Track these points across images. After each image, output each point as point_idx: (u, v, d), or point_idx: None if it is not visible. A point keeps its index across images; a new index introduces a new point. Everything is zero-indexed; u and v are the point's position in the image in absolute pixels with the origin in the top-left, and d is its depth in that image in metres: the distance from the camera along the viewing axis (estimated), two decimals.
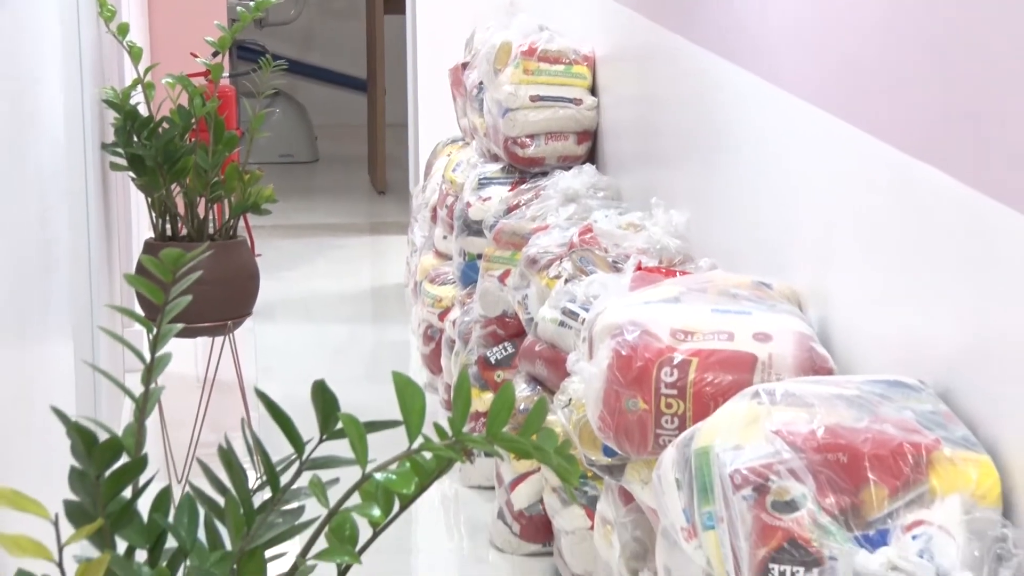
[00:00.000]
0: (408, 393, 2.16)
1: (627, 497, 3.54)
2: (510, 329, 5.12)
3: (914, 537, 2.45)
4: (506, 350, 5.13)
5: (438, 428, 2.17)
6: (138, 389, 2.21)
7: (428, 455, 2.17)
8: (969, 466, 2.54)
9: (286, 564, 2.20)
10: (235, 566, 2.18)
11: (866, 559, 2.43)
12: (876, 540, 2.48)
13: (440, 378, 6.16)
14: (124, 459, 2.11)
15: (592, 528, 4.04)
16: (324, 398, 2.16)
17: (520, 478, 4.74)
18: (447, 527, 5.18)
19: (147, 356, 2.22)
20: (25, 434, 2.61)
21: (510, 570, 4.74)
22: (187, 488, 2.21)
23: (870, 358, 3.13)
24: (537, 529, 4.72)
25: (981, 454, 2.57)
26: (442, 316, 6.08)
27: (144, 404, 2.18)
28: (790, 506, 2.49)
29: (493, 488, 5.04)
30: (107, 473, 2.10)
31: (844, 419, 2.61)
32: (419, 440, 2.16)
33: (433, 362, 6.28)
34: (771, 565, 2.48)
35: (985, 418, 2.64)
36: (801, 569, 2.46)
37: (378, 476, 2.16)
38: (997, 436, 2.59)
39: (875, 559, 2.43)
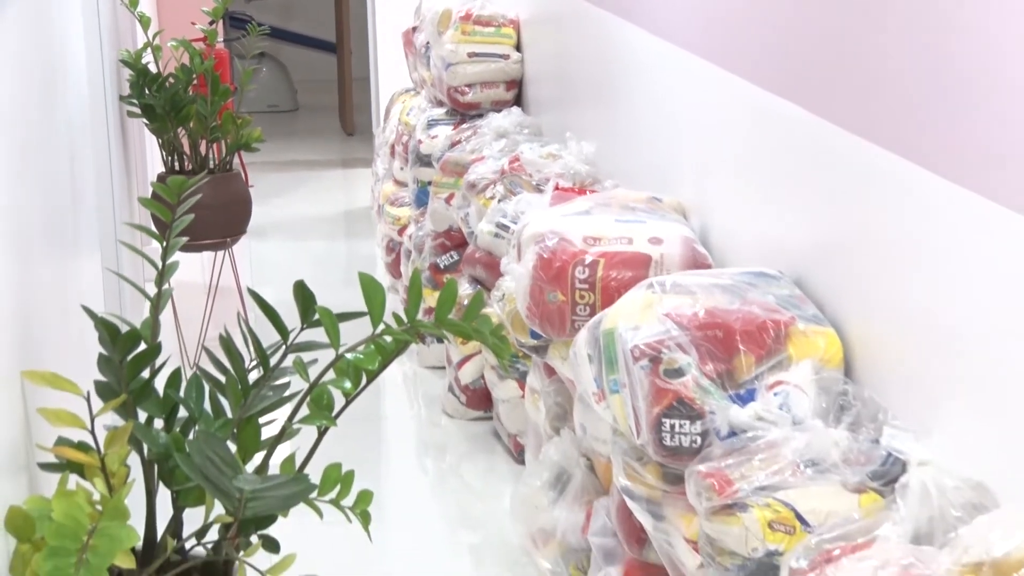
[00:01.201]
0: (371, 289, 2.18)
1: (550, 371, 3.56)
2: (455, 240, 5.13)
3: (775, 394, 2.48)
4: (452, 257, 5.14)
5: (396, 317, 2.19)
6: (153, 293, 2.22)
7: (388, 338, 2.19)
8: (818, 337, 2.57)
9: (276, 428, 2.22)
10: (235, 430, 2.20)
11: (738, 412, 2.46)
12: (746, 397, 2.51)
13: (400, 282, 6.17)
14: (142, 347, 2.12)
15: (523, 396, 4.06)
16: (304, 295, 2.17)
17: (465, 359, 4.77)
18: (408, 399, 5.20)
19: (159, 264, 2.23)
20: (63, 329, 2.62)
21: (458, 432, 4.76)
22: (195, 369, 2.23)
23: (740, 255, 3.15)
24: (480, 399, 4.75)
25: (827, 328, 2.59)
26: (401, 231, 6.08)
27: (157, 302, 2.19)
28: (678, 373, 2.51)
29: (444, 368, 5.07)
30: (128, 358, 2.10)
31: (720, 303, 2.63)
32: (381, 327, 2.18)
33: (394, 269, 6.29)
34: (664, 420, 2.49)
35: (830, 299, 2.66)
36: (687, 422, 2.48)
37: (348, 356, 2.18)
38: (839, 313, 2.62)
39: (745, 412, 2.46)
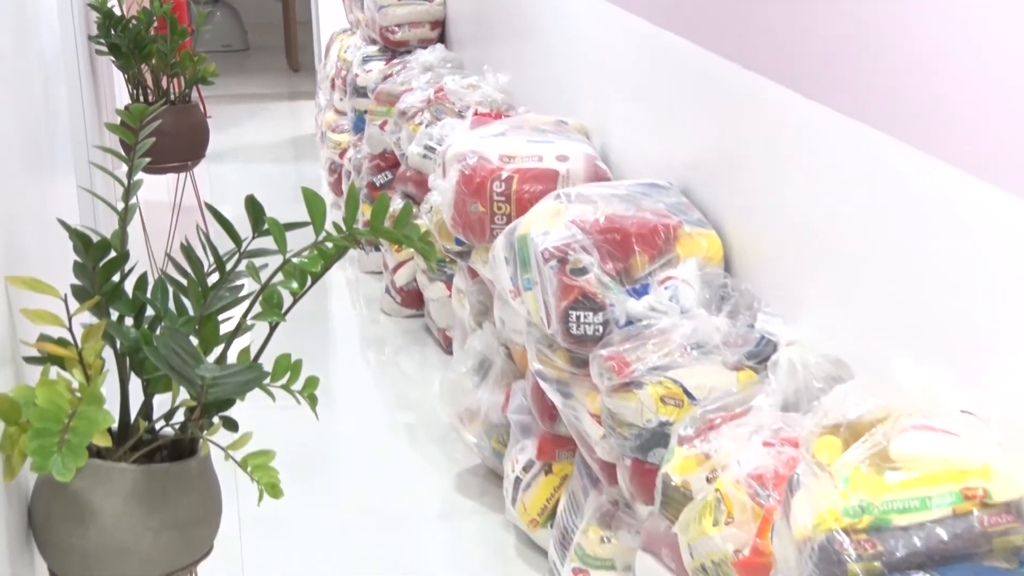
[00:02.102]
0: (314, 202, 2.16)
1: (473, 273, 3.57)
2: (389, 161, 5.10)
3: (665, 288, 2.50)
4: (387, 176, 5.11)
5: (336, 226, 2.18)
6: (121, 208, 2.19)
7: (329, 244, 2.17)
8: (702, 239, 2.59)
9: (232, 324, 2.21)
10: (196, 327, 2.19)
11: (634, 304, 2.48)
12: (640, 291, 2.53)
13: (341, 199, 6.14)
14: (112, 255, 2.10)
15: (450, 296, 4.08)
16: (254, 207, 2.15)
17: (399, 264, 4.77)
18: (350, 300, 5.19)
19: (125, 182, 2.20)
20: (42, 240, 2.58)
21: (394, 327, 4.77)
22: (161, 274, 2.21)
23: (635, 169, 3.16)
24: (413, 299, 4.75)
25: (710, 230, 2.61)
26: (341, 155, 6.05)
27: (125, 215, 2.16)
28: (582, 271, 2.52)
29: (381, 273, 5.07)
30: (100, 264, 2.08)
31: (618, 210, 2.64)
32: (323, 234, 2.17)
33: (336, 188, 6.26)
34: (570, 312, 2.51)
35: (712, 206, 2.68)
36: (591, 314, 2.50)
37: (295, 260, 2.17)
38: (720, 218, 2.64)
39: (640, 304, 2.48)
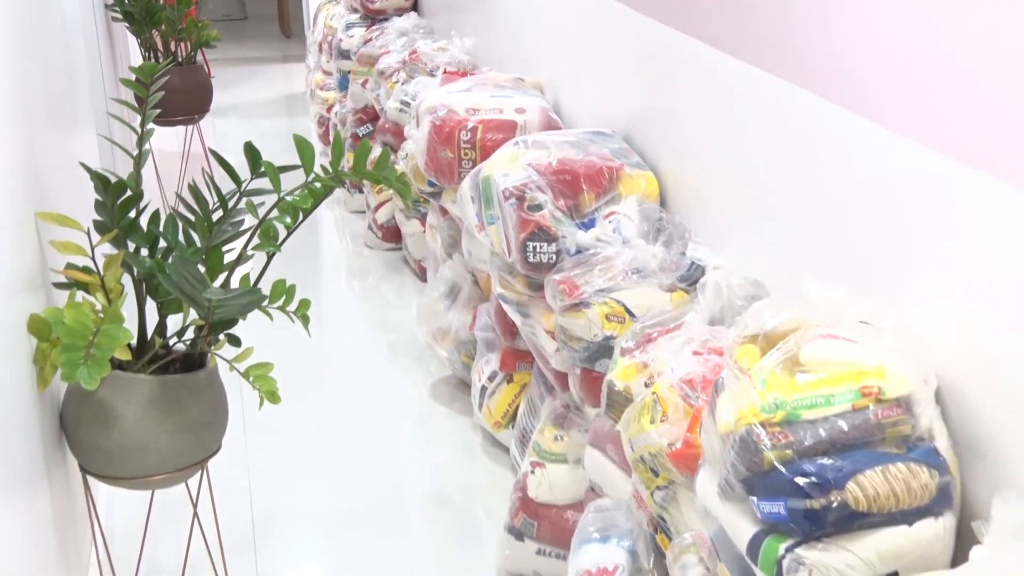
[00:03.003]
0: (304, 147, 2.15)
1: (443, 211, 3.56)
2: (370, 115, 5.06)
3: (609, 221, 2.50)
4: (368, 128, 5.07)
5: (323, 168, 2.17)
6: (136, 153, 2.17)
7: (318, 184, 2.17)
8: (640, 179, 2.58)
9: (234, 254, 2.20)
10: (203, 256, 2.18)
11: (582, 236, 2.47)
12: (588, 224, 2.52)
13: (329, 148, 6.07)
14: (128, 194, 2.08)
15: (424, 231, 4.07)
16: (252, 152, 2.14)
17: (380, 204, 4.74)
18: (338, 236, 5.16)
19: (139, 130, 2.18)
20: (67, 182, 2.56)
21: (376, 259, 4.76)
22: (172, 211, 2.20)
23: (583, 119, 3.15)
24: (392, 234, 4.74)
25: (647, 172, 2.61)
26: (328, 110, 5.98)
27: (139, 159, 2.14)
28: (538, 208, 2.51)
29: (364, 212, 5.04)
30: (118, 202, 2.07)
31: (568, 155, 2.63)
32: (312, 176, 2.16)
33: (324, 138, 6.18)
34: (528, 243, 2.50)
35: (649, 150, 2.68)
36: (545, 244, 2.49)
37: (288, 198, 2.16)
38: (656, 160, 2.64)
39: (588, 235, 2.47)
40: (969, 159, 1.47)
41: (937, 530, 1.40)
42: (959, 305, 1.51)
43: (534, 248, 2.50)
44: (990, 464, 1.46)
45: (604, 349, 2.26)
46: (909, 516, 1.39)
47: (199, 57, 5.20)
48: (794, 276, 1.92)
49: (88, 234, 2.00)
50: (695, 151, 2.42)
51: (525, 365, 3.10)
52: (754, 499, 1.44)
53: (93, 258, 2.00)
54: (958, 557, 1.38)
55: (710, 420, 1.58)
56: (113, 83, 4.60)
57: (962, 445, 1.51)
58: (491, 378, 3.18)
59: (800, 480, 1.39)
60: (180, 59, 5.00)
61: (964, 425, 1.51)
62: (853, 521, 1.38)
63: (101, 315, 1.92)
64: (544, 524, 2.61)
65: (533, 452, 2.69)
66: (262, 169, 2.14)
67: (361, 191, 5.18)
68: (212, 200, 2.20)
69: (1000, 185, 1.41)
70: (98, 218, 2.08)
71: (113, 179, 2.06)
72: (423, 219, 4.18)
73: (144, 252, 2.13)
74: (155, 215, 2.16)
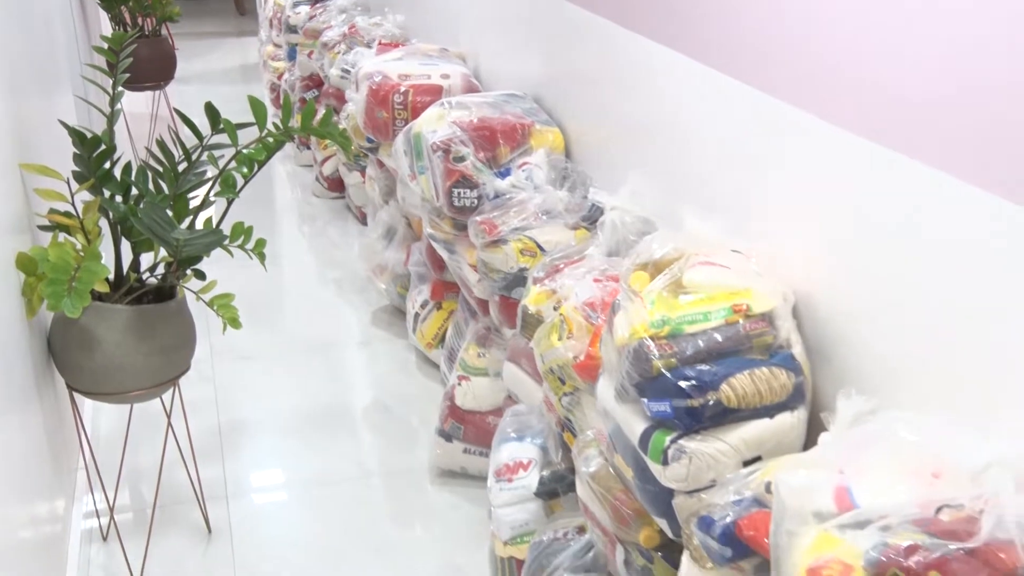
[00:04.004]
0: (257, 106, 2.11)
1: (380, 164, 3.52)
2: (315, 81, 4.97)
3: (523, 170, 2.48)
4: (314, 93, 4.98)
5: (275, 124, 2.13)
6: (108, 112, 2.11)
7: (271, 139, 2.13)
8: (548, 134, 2.57)
9: (198, 200, 2.16)
10: (171, 202, 2.13)
11: (500, 183, 2.46)
12: (504, 173, 2.51)
13: (280, 111, 5.97)
14: (103, 147, 2.03)
15: (364, 182, 4.02)
16: (212, 111, 2.09)
17: (326, 158, 4.67)
18: (289, 187, 5.08)
19: (111, 92, 2.12)
20: (48, 137, 2.48)
21: (323, 207, 4.70)
22: (142, 163, 2.15)
23: (500, 83, 3.12)
24: (337, 185, 4.68)
25: (554, 127, 2.59)
26: (279, 78, 5.85)
27: (111, 117, 2.08)
28: (461, 159, 2.50)
29: (312, 166, 4.97)
30: (94, 155, 2.02)
31: (487, 113, 2.61)
32: (265, 131, 2.12)
33: (276, 103, 6.05)
34: (453, 190, 2.49)
35: (556, 109, 2.66)
36: (468, 190, 2.48)
37: (245, 151, 2.12)
38: (562, 118, 2.63)
39: (504, 182, 2.46)
40: (805, 105, 1.49)
41: (793, 421, 1.43)
42: (809, 234, 1.54)
43: (459, 194, 2.49)
44: (835, 366, 1.50)
45: (519, 279, 2.26)
46: (771, 411, 1.42)
47: (164, 31, 5.05)
48: (677, 213, 1.93)
49: (68, 183, 1.95)
50: (594, 109, 2.41)
51: (452, 294, 3.10)
52: (645, 400, 1.45)
53: (73, 204, 1.95)
54: (809, 442, 1.42)
55: (608, 335, 1.59)
56: (87, 52, 4.45)
57: (813, 351, 1.54)
58: (423, 306, 3.18)
59: (683, 383, 1.41)
60: (146, 32, 4.85)
61: (815, 334, 1.54)
62: (726, 416, 1.40)
63: (81, 253, 1.87)
64: (469, 427, 2.63)
65: (459, 367, 2.71)
66: (221, 126, 2.09)
67: (309, 148, 5.10)
68: (178, 154, 2.15)
69: (830, 128, 1.43)
70: (76, 169, 2.02)
71: (89, 135, 2.00)
72: (363, 171, 4.13)
73: (119, 199, 2.08)
74: (127, 166, 2.11)
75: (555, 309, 1.95)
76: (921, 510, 1.05)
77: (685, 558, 1.42)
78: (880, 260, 1.38)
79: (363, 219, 4.36)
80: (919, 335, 1.32)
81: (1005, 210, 1.16)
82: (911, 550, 1.01)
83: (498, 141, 2.53)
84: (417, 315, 3.20)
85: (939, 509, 1.04)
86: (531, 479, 2.08)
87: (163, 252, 2.09)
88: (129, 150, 4.92)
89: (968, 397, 1.24)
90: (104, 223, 2.05)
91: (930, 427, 1.15)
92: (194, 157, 2.15)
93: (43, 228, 2.00)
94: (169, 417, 2.26)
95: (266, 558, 2.38)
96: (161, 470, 2.27)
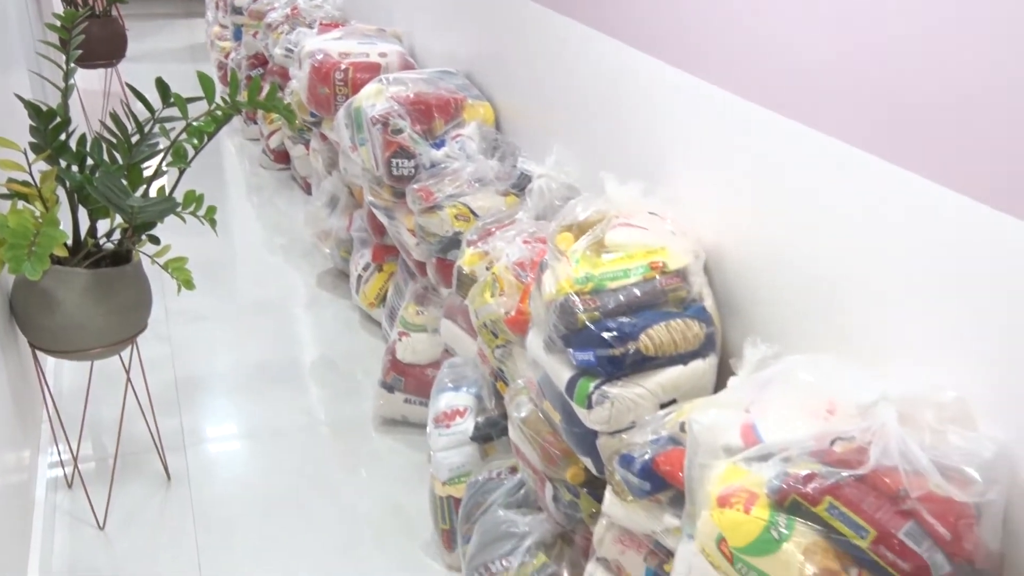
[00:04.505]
0: (205, 81, 2.06)
1: (323, 136, 3.47)
2: (260, 60, 4.85)
3: (456, 142, 2.47)
4: (259, 71, 4.86)
5: (223, 98, 2.09)
6: (63, 87, 2.04)
7: (219, 112, 2.08)
8: (480, 107, 2.56)
9: (151, 170, 2.11)
10: (125, 172, 2.08)
11: (435, 153, 2.44)
12: (439, 144, 2.49)
13: (227, 88, 5.83)
14: (58, 120, 1.96)
15: (308, 153, 3.96)
16: (162, 85, 2.04)
17: (272, 132, 4.59)
18: (238, 159, 4.97)
19: (64, 67, 2.05)
20: (5, 111, 2.39)
21: (270, 177, 4.62)
22: (97, 135, 2.09)
23: (433, 60, 3.09)
24: (282, 157, 4.60)
25: (485, 102, 2.58)
26: (226, 56, 5.70)
27: (65, 91, 2.02)
28: (399, 131, 2.48)
29: (259, 139, 4.87)
30: (50, 127, 1.95)
31: (423, 89, 2.58)
32: (214, 105, 2.07)
33: (223, 80, 5.91)
34: (392, 160, 2.47)
35: (486, 85, 2.65)
36: (406, 160, 2.46)
37: (195, 124, 2.07)
38: (492, 93, 2.61)
39: (439, 153, 2.44)
40: (717, 80, 1.51)
41: (705, 367, 1.45)
42: (718, 198, 1.56)
43: (397, 164, 2.47)
44: (743, 317, 1.53)
45: (454, 242, 2.26)
46: (685, 358, 1.44)
47: (114, 11, 4.88)
48: (598, 180, 1.94)
49: (25, 153, 1.88)
50: (522, 85, 2.41)
51: (392, 257, 3.09)
52: (571, 350, 1.47)
53: (31, 173, 1.89)
54: (719, 385, 1.45)
55: (537, 292, 1.60)
56: (40, 29, 4.29)
57: (723, 304, 1.57)
58: (365, 268, 3.16)
59: (605, 334, 1.42)
60: (97, 12, 4.68)
61: (724, 289, 1.57)
62: (644, 364, 1.42)
63: (40, 220, 1.82)
64: (409, 379, 2.63)
65: (400, 324, 2.70)
66: (172, 100, 2.04)
67: (256, 122, 5.00)
68: (131, 126, 2.09)
69: (732, 98, 1.45)
70: (33, 140, 1.96)
71: (44, 108, 1.94)
72: (307, 144, 4.07)
73: (75, 168, 2.01)
74: (82, 138, 2.04)
75: (488, 269, 1.95)
76: (817, 443, 1.08)
77: (608, 493, 1.44)
78: (781, 221, 1.41)
79: (308, 189, 4.30)
80: (815, 289, 1.35)
81: (892, 173, 1.19)
82: (809, 478, 1.04)
83: (433, 115, 2.51)
84: (360, 277, 3.17)
85: (833, 441, 1.08)
86: (467, 425, 2.10)
87: (119, 219, 2.04)
88: (83, 124, 4.77)
89: (857, 342, 1.27)
90: (61, 192, 1.99)
91: (825, 369, 1.18)
92: (146, 129, 2.09)
93: (2, 196, 1.93)
94: (128, 373, 2.21)
95: (222, 502, 2.36)
96: (122, 422, 2.24)
